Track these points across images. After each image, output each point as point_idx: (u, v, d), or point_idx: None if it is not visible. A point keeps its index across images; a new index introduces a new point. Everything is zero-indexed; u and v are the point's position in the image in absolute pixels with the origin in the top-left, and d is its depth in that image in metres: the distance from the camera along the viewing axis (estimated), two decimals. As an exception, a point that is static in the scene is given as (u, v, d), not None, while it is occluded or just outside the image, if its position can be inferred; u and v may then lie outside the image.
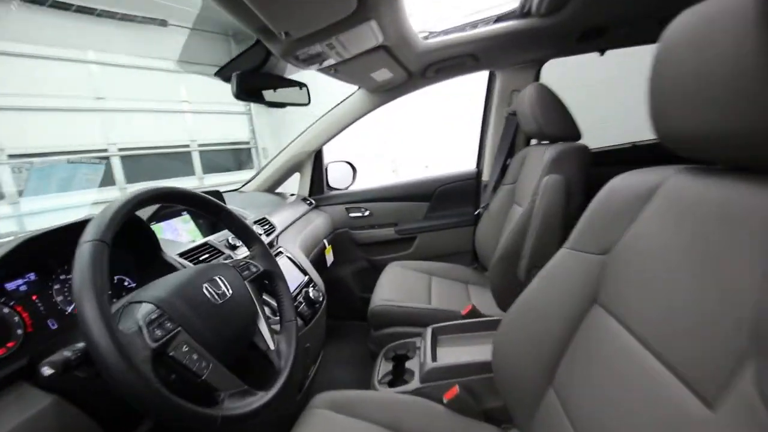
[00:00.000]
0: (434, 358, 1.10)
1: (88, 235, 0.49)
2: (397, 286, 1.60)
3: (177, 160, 5.27)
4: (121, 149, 4.69)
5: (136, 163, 4.77)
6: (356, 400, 0.91)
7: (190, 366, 0.54)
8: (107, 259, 0.49)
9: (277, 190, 2.07)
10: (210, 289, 0.63)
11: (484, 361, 1.01)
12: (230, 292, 0.67)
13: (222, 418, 0.52)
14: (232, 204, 1.43)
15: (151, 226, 1.12)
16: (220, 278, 0.67)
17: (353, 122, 1.85)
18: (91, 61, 4.43)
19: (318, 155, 2.01)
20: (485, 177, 1.94)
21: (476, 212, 1.93)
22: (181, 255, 0.94)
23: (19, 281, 0.70)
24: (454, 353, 1.14)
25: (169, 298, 0.57)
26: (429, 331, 1.23)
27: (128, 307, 0.55)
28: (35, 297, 0.71)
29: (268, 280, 0.83)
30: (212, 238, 1.10)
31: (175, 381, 0.57)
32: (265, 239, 1.27)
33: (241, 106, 5.92)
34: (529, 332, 0.73)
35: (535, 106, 1.32)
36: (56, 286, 0.76)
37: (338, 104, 1.85)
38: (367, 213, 2.03)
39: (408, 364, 1.17)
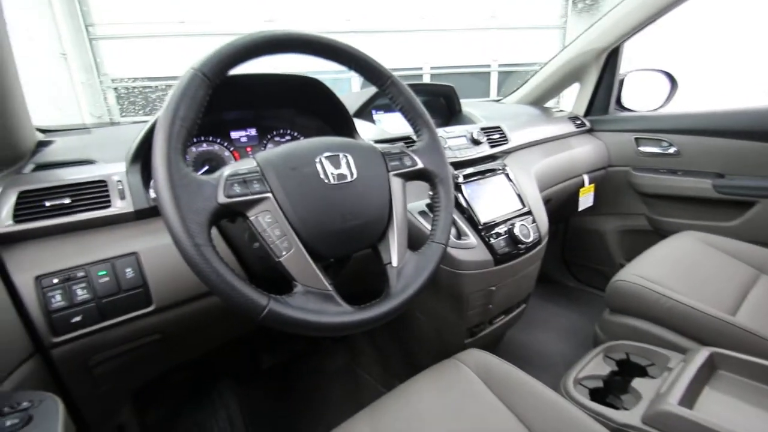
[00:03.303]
0: (689, 401, 0.62)
1: (195, 62, 0.45)
2: (683, 266, 1.00)
3: (472, 80, 5.35)
4: (432, 67, 5.21)
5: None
6: (520, 389, 0.62)
7: (269, 241, 0.46)
8: (203, 93, 0.44)
9: (548, 105, 1.67)
10: (325, 165, 0.51)
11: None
12: (353, 176, 0.53)
13: (270, 312, 0.42)
14: (476, 112, 1.23)
15: (375, 116, 1.12)
16: (345, 156, 0.53)
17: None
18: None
19: (612, 58, 1.42)
20: None
21: None
22: (377, 143, 0.87)
23: (242, 132, 0.82)
24: (737, 414, 0.61)
25: (271, 159, 0.49)
26: (703, 354, 0.71)
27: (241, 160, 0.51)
28: (250, 149, 0.82)
29: (427, 183, 0.63)
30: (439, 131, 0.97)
31: (258, 252, 0.51)
32: (486, 150, 1.03)
33: (556, 18, 5.16)
34: None
35: None
36: (270, 145, 0.85)
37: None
38: (670, 150, 1.34)
39: (637, 382, 0.73)
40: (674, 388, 0.64)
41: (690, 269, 0.99)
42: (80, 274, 0.53)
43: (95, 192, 0.58)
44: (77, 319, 0.52)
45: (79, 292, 0.52)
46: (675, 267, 0.99)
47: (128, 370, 0.65)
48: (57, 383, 0.57)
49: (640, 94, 1.49)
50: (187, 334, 0.68)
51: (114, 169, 0.62)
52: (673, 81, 1.46)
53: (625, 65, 1.47)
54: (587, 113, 1.54)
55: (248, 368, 1.22)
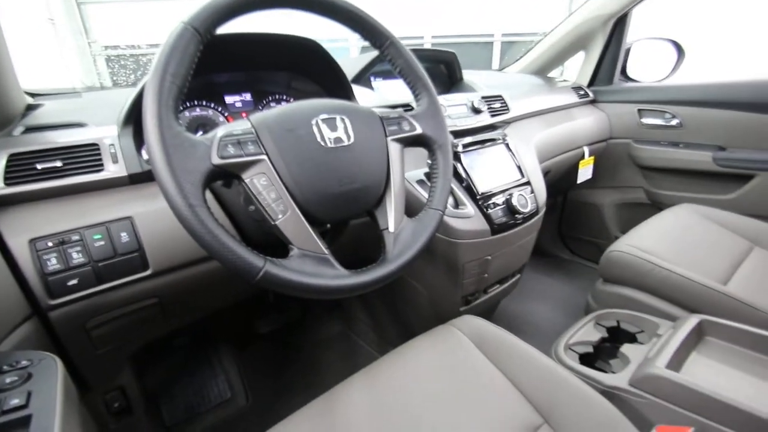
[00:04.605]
0: (676, 364, 0.64)
1: (185, 16, 0.43)
2: (678, 237, 1.01)
3: (474, 51, 5.17)
4: (434, 36, 5.04)
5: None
6: (512, 353, 0.64)
7: (264, 204, 0.45)
8: (194, 49, 0.42)
9: (551, 75, 1.63)
10: (321, 127, 0.50)
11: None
12: (350, 140, 0.52)
13: (266, 274, 0.42)
14: (478, 80, 1.20)
15: (373, 82, 1.09)
16: (342, 119, 0.52)
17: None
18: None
19: (619, 26, 1.38)
20: None
21: None
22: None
23: (237, 97, 0.80)
24: (721, 377, 0.63)
25: (266, 121, 0.48)
26: (693, 321, 0.72)
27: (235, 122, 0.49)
28: (245, 114, 0.80)
29: (425, 149, 0.62)
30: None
31: (254, 215, 0.51)
32: (486, 119, 1.01)
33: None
34: None
35: None
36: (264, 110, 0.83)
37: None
38: (673, 122, 1.33)
39: (626, 348, 0.75)
40: (662, 352, 0.65)
41: (685, 241, 0.99)
42: (75, 237, 0.53)
43: (87, 155, 0.57)
44: (73, 282, 0.52)
45: (75, 255, 0.52)
46: (670, 238, 1.00)
47: (126, 334, 0.66)
48: (56, 345, 0.58)
49: (646, 64, 1.45)
50: (184, 299, 0.69)
51: (106, 132, 0.60)
52: (680, 50, 1.42)
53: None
54: (591, 83, 1.50)
55: (246, 334, 1.24)
